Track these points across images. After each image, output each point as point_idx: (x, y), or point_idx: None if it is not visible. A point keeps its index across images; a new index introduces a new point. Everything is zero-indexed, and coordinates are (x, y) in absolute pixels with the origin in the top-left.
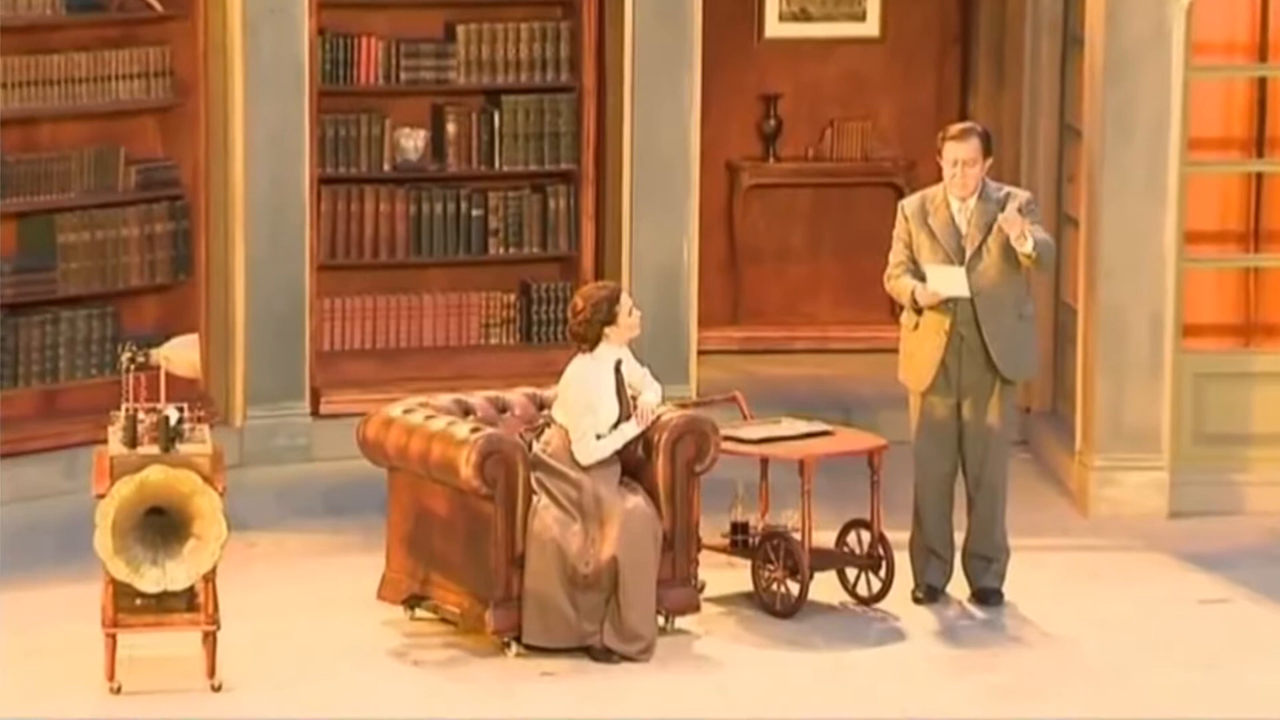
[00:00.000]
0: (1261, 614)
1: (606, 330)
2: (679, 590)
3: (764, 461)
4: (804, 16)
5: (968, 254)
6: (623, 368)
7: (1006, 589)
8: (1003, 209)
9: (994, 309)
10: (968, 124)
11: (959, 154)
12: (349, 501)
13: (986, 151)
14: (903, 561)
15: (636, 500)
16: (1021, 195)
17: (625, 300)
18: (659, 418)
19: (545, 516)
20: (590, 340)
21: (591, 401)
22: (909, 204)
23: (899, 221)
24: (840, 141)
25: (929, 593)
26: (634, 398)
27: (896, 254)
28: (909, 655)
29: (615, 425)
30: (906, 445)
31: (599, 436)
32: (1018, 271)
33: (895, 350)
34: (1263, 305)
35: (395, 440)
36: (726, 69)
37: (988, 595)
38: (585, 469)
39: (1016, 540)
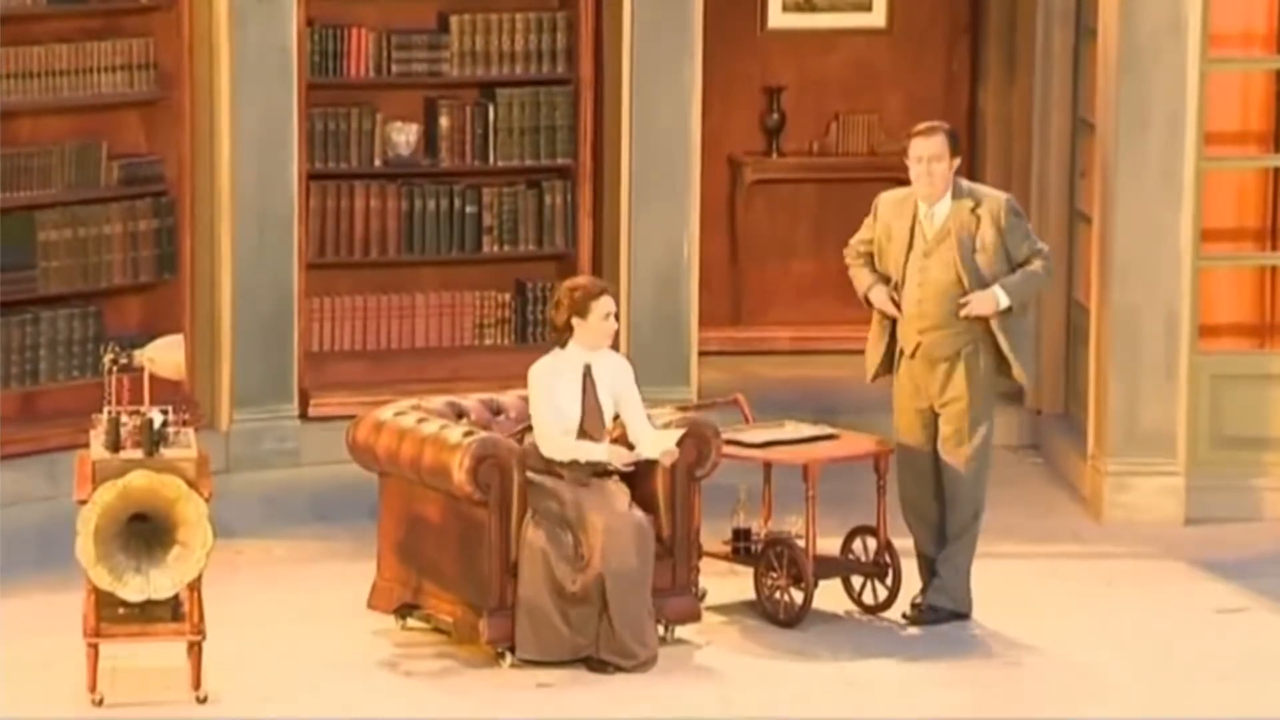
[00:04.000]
0: None
1: (575, 322)
2: (679, 599)
3: (767, 466)
4: (808, 6)
5: (918, 263)
6: (595, 372)
7: (1017, 595)
8: (974, 211)
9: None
10: (934, 122)
11: (924, 150)
12: (338, 507)
13: (954, 150)
14: (909, 569)
15: (622, 510)
16: (998, 197)
17: (606, 302)
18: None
19: (537, 526)
20: (559, 328)
21: (549, 396)
22: (884, 199)
23: (871, 213)
24: (846, 135)
25: (925, 612)
26: (619, 425)
27: (864, 233)
28: (917, 665)
29: (582, 432)
30: None
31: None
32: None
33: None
34: None
35: (386, 444)
36: (728, 60)
37: (923, 612)
38: (564, 480)
39: (1027, 547)
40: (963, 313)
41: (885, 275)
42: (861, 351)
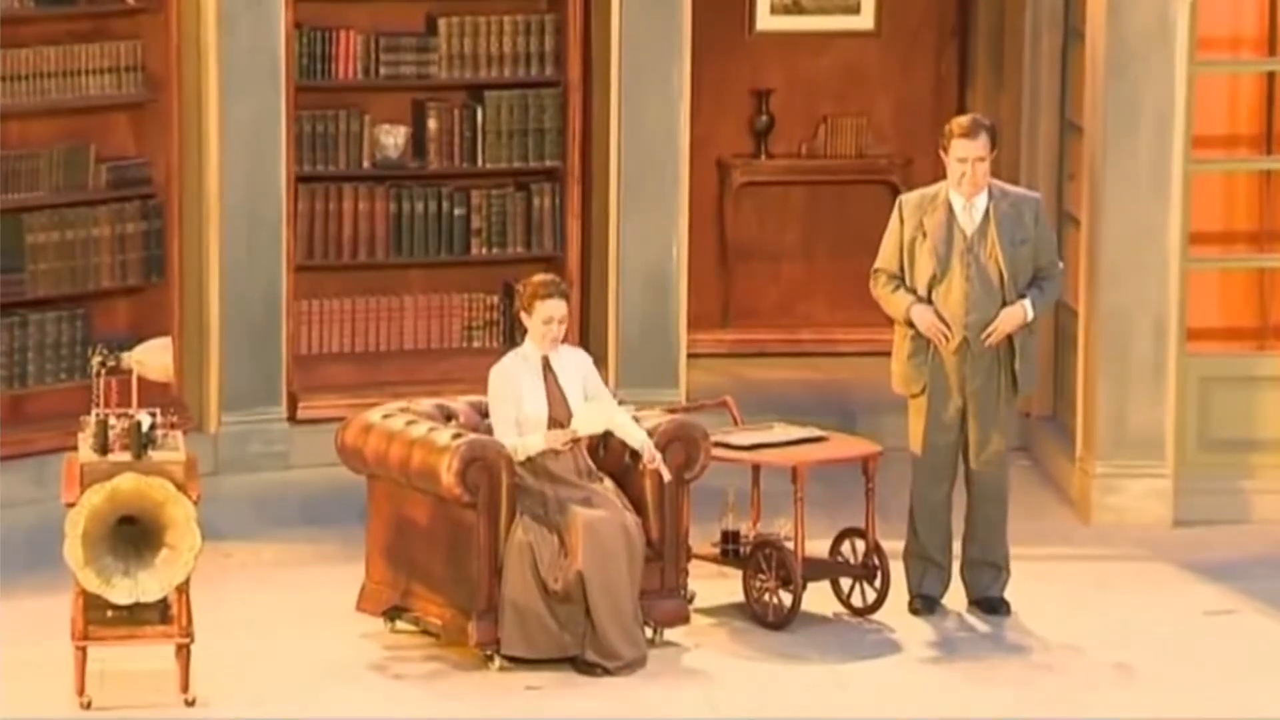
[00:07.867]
0: (1269, 625)
1: (523, 316)
2: (668, 601)
3: (755, 468)
4: (797, 9)
5: (961, 257)
6: (554, 364)
7: (1006, 597)
8: (1013, 205)
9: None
10: (974, 117)
11: (970, 151)
12: (327, 510)
13: (994, 145)
14: (898, 571)
15: (609, 511)
16: (1031, 196)
17: (551, 305)
18: (574, 441)
19: (524, 527)
20: (514, 317)
21: (505, 398)
22: (908, 200)
23: (894, 217)
24: (834, 138)
25: (926, 603)
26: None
27: (885, 254)
28: (905, 668)
29: (552, 422)
30: (903, 452)
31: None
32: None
33: (891, 353)
34: (1269, 307)
35: (375, 447)
36: (717, 63)
37: (997, 605)
38: (545, 478)
39: (1016, 549)
40: (990, 340)
41: (915, 289)
42: (852, 354)
